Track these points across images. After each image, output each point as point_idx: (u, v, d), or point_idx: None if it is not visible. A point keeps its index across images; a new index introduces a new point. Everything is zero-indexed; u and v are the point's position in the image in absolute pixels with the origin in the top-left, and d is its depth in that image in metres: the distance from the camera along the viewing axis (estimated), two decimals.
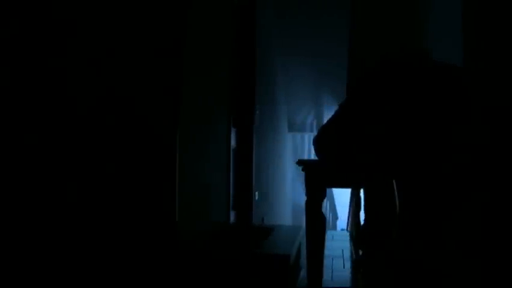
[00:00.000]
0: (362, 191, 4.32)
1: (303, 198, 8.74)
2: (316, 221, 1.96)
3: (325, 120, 8.09)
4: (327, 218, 8.80)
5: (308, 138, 9.59)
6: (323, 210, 2.86)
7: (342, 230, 7.41)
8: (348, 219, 6.27)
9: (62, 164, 1.99)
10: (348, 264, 3.79)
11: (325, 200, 2.71)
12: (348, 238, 5.13)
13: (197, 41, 2.47)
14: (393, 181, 1.90)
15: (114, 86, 2.06)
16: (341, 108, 2.08)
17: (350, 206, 5.74)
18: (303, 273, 2.82)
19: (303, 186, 8.59)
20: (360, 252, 3.96)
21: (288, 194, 8.27)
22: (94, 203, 2.00)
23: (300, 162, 2.23)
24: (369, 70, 2.03)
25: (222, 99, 3.24)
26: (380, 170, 1.92)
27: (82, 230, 1.99)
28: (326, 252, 2.58)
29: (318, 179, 1.97)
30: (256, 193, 4.32)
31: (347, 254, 4.18)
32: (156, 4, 2.09)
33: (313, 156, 8.99)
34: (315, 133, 9.29)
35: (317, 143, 2.06)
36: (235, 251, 2.12)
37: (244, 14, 3.88)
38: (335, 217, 11.25)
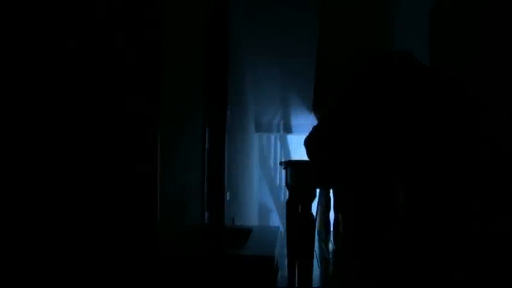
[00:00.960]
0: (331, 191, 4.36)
1: (268, 199, 8.86)
2: (308, 222, 1.95)
3: (292, 121, 8.14)
4: None
5: (274, 138, 9.64)
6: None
7: None
8: (315, 218, 6.30)
9: (44, 164, 1.94)
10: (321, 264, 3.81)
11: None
12: (316, 237, 5.16)
13: (174, 40, 2.44)
14: (394, 180, 1.91)
15: (95, 87, 2.01)
16: (334, 109, 2.08)
17: (318, 205, 5.78)
18: (280, 273, 2.82)
19: (270, 186, 8.62)
20: (331, 251, 4.00)
21: (255, 194, 8.28)
22: (75, 202, 1.95)
23: (288, 163, 2.21)
24: (363, 70, 2.04)
25: (197, 99, 3.20)
26: (377, 169, 1.93)
27: (62, 229, 1.94)
28: None
29: (309, 180, 1.96)
30: (228, 193, 4.30)
31: (319, 253, 4.21)
32: (134, 5, 2.05)
33: (279, 157, 9.03)
34: (282, 133, 9.33)
35: (310, 142, 2.04)
36: (218, 252, 2.10)
37: (217, 13, 3.85)
38: None
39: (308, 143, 2.06)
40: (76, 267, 1.94)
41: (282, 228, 4.19)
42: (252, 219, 7.30)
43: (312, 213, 1.99)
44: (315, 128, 2.10)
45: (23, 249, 1.92)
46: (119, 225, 1.98)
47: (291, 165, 2.17)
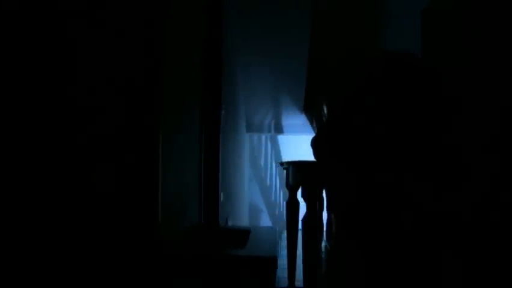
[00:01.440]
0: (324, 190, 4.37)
1: (259, 199, 8.85)
2: (313, 222, 1.95)
3: (283, 121, 8.13)
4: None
5: (265, 138, 9.63)
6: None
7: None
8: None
9: (47, 165, 1.91)
10: None
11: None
12: None
13: (174, 41, 2.42)
14: (404, 181, 1.91)
15: (96, 88, 1.99)
16: (342, 108, 2.07)
17: None
18: (278, 273, 2.82)
19: (261, 186, 8.60)
20: (323, 250, 4.01)
21: (246, 194, 8.27)
22: (78, 203, 1.93)
23: (290, 163, 2.20)
24: (370, 70, 2.03)
25: (195, 98, 3.19)
26: (385, 170, 1.93)
27: (64, 229, 1.92)
28: None
29: (315, 180, 1.96)
30: (222, 194, 4.29)
31: None
32: (136, 8, 2.04)
33: (270, 157, 8.99)
34: (273, 134, 9.30)
35: (317, 143, 2.03)
36: (221, 253, 2.09)
37: (213, 12, 3.84)
38: None
39: (316, 143, 2.04)
40: (78, 268, 1.92)
41: (277, 229, 4.19)
42: (243, 219, 7.30)
43: (317, 213, 1.99)
44: (322, 129, 2.10)
45: (25, 250, 1.89)
46: (121, 226, 1.97)
47: (294, 166, 2.16)
